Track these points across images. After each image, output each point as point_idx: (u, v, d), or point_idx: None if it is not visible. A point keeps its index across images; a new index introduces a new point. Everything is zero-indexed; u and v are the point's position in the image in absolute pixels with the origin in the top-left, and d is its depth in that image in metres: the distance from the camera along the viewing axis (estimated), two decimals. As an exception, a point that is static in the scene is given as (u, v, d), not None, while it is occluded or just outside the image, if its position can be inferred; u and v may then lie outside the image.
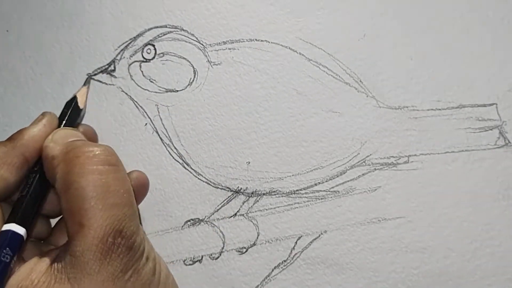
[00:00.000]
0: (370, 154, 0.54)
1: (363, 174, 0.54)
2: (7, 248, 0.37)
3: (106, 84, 0.58)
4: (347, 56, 0.56)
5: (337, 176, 0.54)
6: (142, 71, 0.57)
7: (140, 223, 0.40)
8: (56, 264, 0.37)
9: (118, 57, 0.58)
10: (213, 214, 0.54)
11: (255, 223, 0.54)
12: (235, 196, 0.54)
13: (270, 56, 0.56)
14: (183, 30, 0.58)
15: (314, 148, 0.54)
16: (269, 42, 0.57)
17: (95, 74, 0.58)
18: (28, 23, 0.60)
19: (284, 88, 0.55)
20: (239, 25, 0.57)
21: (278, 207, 0.54)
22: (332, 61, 0.56)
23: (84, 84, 0.56)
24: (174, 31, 0.57)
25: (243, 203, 0.54)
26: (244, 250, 0.53)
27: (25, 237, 0.39)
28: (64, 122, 0.46)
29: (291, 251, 0.53)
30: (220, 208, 0.54)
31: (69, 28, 0.60)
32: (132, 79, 0.57)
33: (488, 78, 0.54)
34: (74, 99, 0.48)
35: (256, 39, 0.57)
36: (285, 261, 0.53)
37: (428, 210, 0.52)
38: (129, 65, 0.57)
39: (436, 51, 0.55)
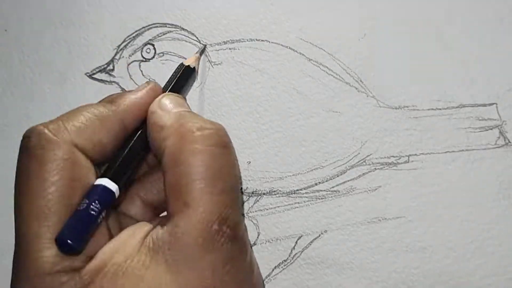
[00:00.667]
0: (371, 154, 0.54)
1: (363, 174, 0.53)
2: (96, 201, 0.35)
3: (105, 83, 0.57)
4: (347, 56, 0.56)
5: (338, 176, 0.54)
6: (141, 71, 0.57)
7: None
8: (151, 241, 0.34)
9: (117, 57, 0.57)
10: None
11: (255, 222, 0.53)
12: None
13: (270, 56, 0.56)
14: (183, 29, 0.57)
15: (315, 148, 0.54)
16: (269, 42, 0.56)
17: (95, 73, 0.58)
18: (27, 23, 0.60)
19: (285, 88, 0.55)
20: (239, 25, 0.57)
21: (278, 206, 0.53)
22: (332, 61, 0.55)
23: (198, 52, 0.53)
24: (174, 30, 0.57)
25: (242, 203, 0.54)
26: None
27: (117, 194, 0.37)
28: (171, 86, 0.44)
29: (291, 250, 0.53)
30: None
31: (68, 27, 0.59)
32: (131, 79, 0.57)
33: (488, 78, 0.54)
34: (183, 65, 0.47)
35: (256, 39, 0.56)
36: (285, 260, 0.53)
37: (428, 210, 0.52)
38: (128, 64, 0.57)
39: (436, 50, 0.55)
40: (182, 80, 0.45)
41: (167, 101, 0.40)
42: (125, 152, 0.39)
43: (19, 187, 0.35)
